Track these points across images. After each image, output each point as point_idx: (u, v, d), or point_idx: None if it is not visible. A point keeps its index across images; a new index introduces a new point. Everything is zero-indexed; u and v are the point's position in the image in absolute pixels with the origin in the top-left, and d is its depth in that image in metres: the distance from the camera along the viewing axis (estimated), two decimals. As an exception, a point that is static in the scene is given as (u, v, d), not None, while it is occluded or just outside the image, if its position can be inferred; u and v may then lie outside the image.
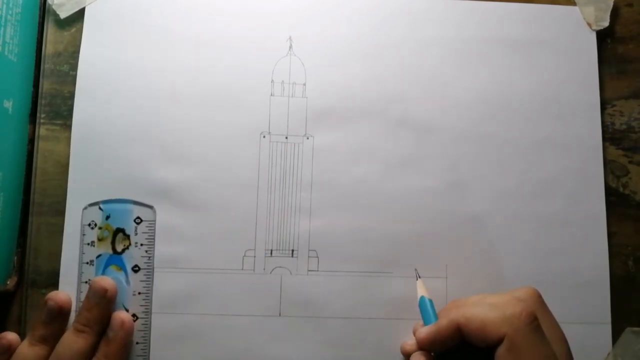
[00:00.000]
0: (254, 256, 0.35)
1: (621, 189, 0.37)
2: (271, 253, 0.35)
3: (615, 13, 0.39)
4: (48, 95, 0.36)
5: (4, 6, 0.34)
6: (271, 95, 0.37)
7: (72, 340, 0.31)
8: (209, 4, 0.37)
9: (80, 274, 0.34)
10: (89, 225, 0.34)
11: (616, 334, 0.35)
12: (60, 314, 0.32)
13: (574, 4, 0.39)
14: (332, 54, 0.37)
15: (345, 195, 0.36)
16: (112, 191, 0.35)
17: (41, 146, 0.36)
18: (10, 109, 0.34)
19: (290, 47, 0.37)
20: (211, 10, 0.37)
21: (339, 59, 0.37)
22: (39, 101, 0.36)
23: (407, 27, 0.38)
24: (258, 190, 0.36)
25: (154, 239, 0.35)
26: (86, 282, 0.34)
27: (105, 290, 0.32)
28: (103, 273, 0.34)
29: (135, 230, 0.34)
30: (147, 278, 0.34)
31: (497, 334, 0.28)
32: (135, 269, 0.34)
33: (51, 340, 0.32)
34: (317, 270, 0.35)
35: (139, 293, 0.34)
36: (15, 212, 0.35)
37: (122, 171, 0.35)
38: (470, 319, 0.29)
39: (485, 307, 0.29)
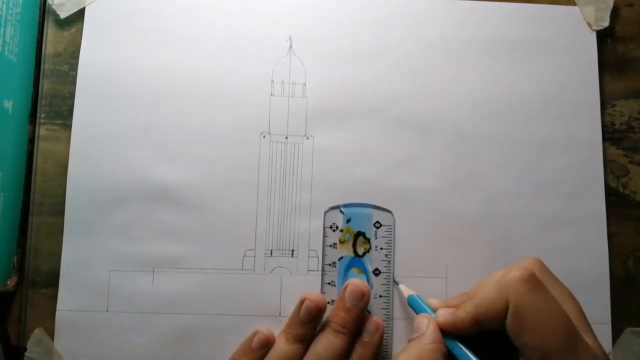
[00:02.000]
0: (254, 256, 0.35)
1: (621, 189, 0.37)
2: (271, 253, 0.35)
3: (615, 13, 0.39)
4: (48, 95, 0.36)
5: (4, 6, 0.34)
6: (271, 95, 0.37)
7: (330, 341, 0.31)
8: (209, 4, 0.37)
9: (323, 275, 0.35)
10: (331, 227, 0.35)
11: (616, 334, 0.35)
12: (318, 315, 0.32)
13: (574, 4, 0.39)
14: (332, 54, 0.37)
15: (345, 195, 0.36)
16: (113, 191, 0.35)
17: (41, 146, 0.36)
18: (10, 109, 0.34)
19: (290, 47, 0.37)
20: (211, 10, 0.37)
21: (339, 59, 0.37)
22: (39, 101, 0.36)
23: (407, 27, 0.38)
24: (258, 190, 0.36)
25: (392, 243, 0.35)
26: (329, 283, 0.35)
27: (363, 294, 0.32)
28: (345, 275, 0.35)
29: (375, 234, 0.35)
30: (387, 282, 0.35)
31: (501, 305, 0.27)
32: (376, 272, 0.35)
33: (307, 339, 0.32)
34: (317, 270, 0.35)
35: (380, 296, 0.35)
36: (15, 212, 0.35)
37: (122, 171, 0.35)
38: (479, 306, 0.28)
39: (488, 286, 0.29)
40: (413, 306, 0.33)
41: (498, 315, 0.28)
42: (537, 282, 0.27)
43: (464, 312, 0.29)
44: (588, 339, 0.27)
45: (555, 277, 0.30)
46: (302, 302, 0.32)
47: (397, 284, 0.35)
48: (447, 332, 0.30)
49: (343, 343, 0.31)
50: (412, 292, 0.34)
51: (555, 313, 0.27)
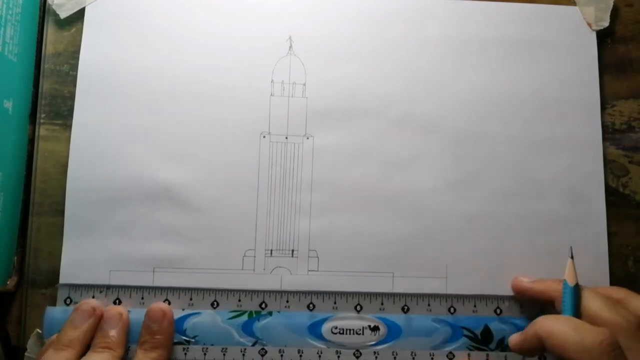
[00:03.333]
0: (254, 256, 0.35)
1: (621, 189, 0.37)
2: (271, 253, 0.35)
3: (615, 13, 0.39)
4: (48, 95, 0.36)
5: (4, 6, 0.34)
6: (271, 95, 0.37)
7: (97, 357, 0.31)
8: (209, 4, 0.37)
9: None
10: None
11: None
12: (91, 318, 0.32)
13: (574, 4, 0.39)
14: (332, 54, 0.37)
15: (345, 195, 0.36)
16: (113, 191, 0.35)
17: (41, 146, 0.36)
18: (10, 109, 0.34)
19: (290, 47, 0.37)
20: (211, 11, 0.37)
21: (339, 59, 0.37)
22: (39, 101, 0.36)
23: (407, 27, 0.38)
24: (258, 190, 0.36)
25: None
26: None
27: (120, 315, 0.33)
28: None
29: None
30: None
31: (569, 358, 0.28)
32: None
33: (77, 345, 0.31)
34: (317, 270, 0.35)
35: None
36: (15, 212, 0.35)
37: (122, 171, 0.35)
38: (551, 336, 0.29)
39: (569, 326, 0.29)
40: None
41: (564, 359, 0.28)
42: (619, 353, 0.27)
43: (532, 331, 0.30)
44: None
45: None
46: (78, 307, 0.33)
47: (571, 257, 0.33)
48: None
49: (111, 356, 0.31)
50: (571, 280, 0.32)
51: None
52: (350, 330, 0.34)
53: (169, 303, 0.34)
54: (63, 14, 0.37)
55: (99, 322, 0.33)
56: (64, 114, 0.36)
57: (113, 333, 0.32)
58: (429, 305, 0.35)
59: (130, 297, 0.34)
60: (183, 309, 0.34)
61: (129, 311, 0.33)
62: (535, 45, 0.38)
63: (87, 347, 0.32)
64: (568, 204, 0.37)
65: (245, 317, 0.34)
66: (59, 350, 0.31)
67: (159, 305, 0.33)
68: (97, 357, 0.31)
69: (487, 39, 0.38)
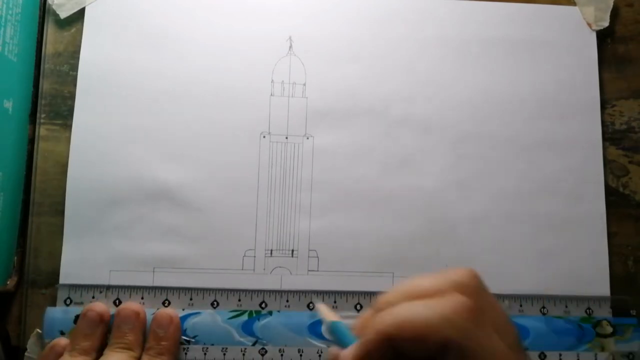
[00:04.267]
0: (254, 256, 0.35)
1: (621, 189, 0.37)
2: (271, 253, 0.35)
3: (615, 13, 0.39)
4: (48, 95, 0.36)
5: (4, 6, 0.34)
6: (271, 95, 0.37)
7: (117, 357, 0.31)
8: (209, 5, 0.37)
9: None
10: None
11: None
12: (100, 326, 0.32)
13: (574, 4, 0.39)
14: (332, 54, 0.37)
15: (345, 195, 0.36)
16: (113, 191, 0.35)
17: (41, 146, 0.36)
18: (10, 109, 0.34)
19: (290, 47, 0.37)
20: (211, 11, 0.37)
21: (339, 59, 0.37)
22: (39, 101, 0.36)
23: (407, 27, 0.38)
24: (258, 190, 0.36)
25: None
26: None
27: (137, 314, 0.33)
28: None
29: None
30: None
31: (438, 338, 0.21)
32: None
33: (92, 351, 0.32)
34: (317, 270, 0.35)
35: None
36: (15, 212, 0.35)
37: (122, 171, 0.35)
38: (401, 326, 0.22)
39: (418, 306, 0.22)
40: (334, 334, 0.26)
41: (425, 346, 0.22)
42: (481, 316, 0.22)
43: (375, 333, 0.22)
44: None
45: (490, 293, 0.24)
46: (84, 313, 0.32)
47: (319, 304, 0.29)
48: None
49: (129, 357, 0.31)
50: (336, 318, 0.26)
51: (501, 355, 0.22)
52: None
53: (169, 303, 0.34)
54: (63, 14, 0.37)
55: (107, 325, 0.33)
56: (64, 114, 0.36)
57: (130, 333, 0.32)
58: (429, 305, 0.35)
59: (130, 297, 0.34)
60: (183, 309, 0.34)
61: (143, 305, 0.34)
62: (535, 45, 0.38)
63: (100, 350, 0.32)
64: (568, 204, 0.37)
65: (245, 317, 0.34)
66: (75, 357, 0.31)
67: (167, 311, 0.33)
68: (116, 357, 0.31)
69: (487, 39, 0.38)
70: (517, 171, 0.37)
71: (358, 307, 0.35)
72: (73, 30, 0.37)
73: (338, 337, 0.25)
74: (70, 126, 0.36)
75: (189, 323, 0.34)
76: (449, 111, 0.37)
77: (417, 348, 0.22)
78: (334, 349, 0.24)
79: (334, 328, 0.26)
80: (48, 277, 0.35)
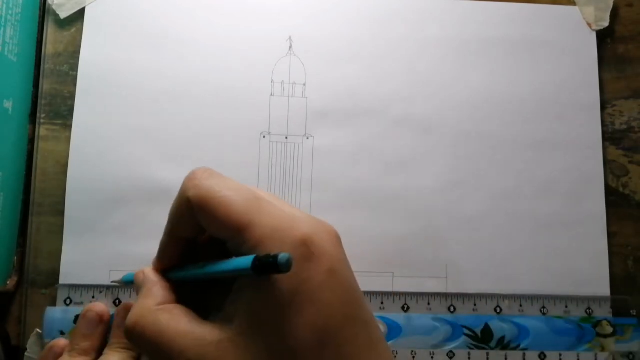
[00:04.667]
0: (254, 256, 0.35)
1: (621, 189, 0.37)
2: (271, 253, 0.35)
3: (615, 13, 0.39)
4: (48, 95, 0.36)
5: (4, 6, 0.34)
6: (271, 95, 0.37)
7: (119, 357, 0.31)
8: (209, 5, 0.37)
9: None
10: None
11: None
12: (100, 326, 0.32)
13: (574, 4, 0.39)
14: (332, 54, 0.37)
15: (345, 195, 0.36)
16: (112, 191, 0.35)
17: (41, 146, 0.36)
18: (10, 109, 0.34)
19: (290, 47, 0.37)
20: (211, 11, 0.37)
21: (339, 59, 0.37)
22: (39, 101, 0.36)
23: (407, 27, 0.38)
24: (258, 190, 0.36)
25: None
26: None
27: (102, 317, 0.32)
28: None
29: None
30: None
31: (184, 205, 0.24)
32: None
33: (92, 352, 0.31)
34: (317, 270, 0.35)
35: None
36: (15, 212, 0.35)
37: (122, 171, 0.35)
38: (171, 219, 0.25)
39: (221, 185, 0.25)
40: (128, 280, 0.31)
41: (186, 217, 0.24)
42: (210, 172, 0.25)
43: (164, 235, 0.26)
44: None
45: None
46: (84, 314, 0.32)
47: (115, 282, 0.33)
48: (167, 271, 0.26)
49: (129, 357, 0.31)
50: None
51: (235, 189, 0.25)
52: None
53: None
54: (63, 14, 0.37)
55: (107, 326, 0.32)
56: (64, 114, 0.36)
57: None
58: (429, 304, 0.35)
59: (130, 297, 0.34)
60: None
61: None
62: (535, 45, 0.38)
63: (100, 350, 0.32)
64: (568, 204, 0.37)
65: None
66: (74, 357, 0.31)
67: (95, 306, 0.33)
68: (116, 357, 0.31)
69: (487, 39, 0.38)
70: (517, 171, 0.37)
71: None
72: (73, 30, 0.37)
73: (129, 280, 0.30)
74: (70, 126, 0.36)
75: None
76: (449, 111, 0.37)
77: (217, 226, 0.23)
78: (137, 271, 0.27)
79: (125, 278, 0.31)
80: (48, 277, 0.35)
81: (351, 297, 0.23)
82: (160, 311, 0.24)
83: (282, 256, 0.20)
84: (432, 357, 0.34)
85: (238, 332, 0.21)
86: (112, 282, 0.34)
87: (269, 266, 0.20)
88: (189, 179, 0.25)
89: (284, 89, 0.37)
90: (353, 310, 0.22)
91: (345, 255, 0.25)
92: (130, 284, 0.30)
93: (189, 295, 0.25)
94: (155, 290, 0.25)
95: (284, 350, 0.21)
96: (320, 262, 0.22)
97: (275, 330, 0.21)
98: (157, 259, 0.26)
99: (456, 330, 0.35)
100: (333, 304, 0.22)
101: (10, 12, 0.34)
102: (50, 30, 0.37)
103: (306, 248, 0.22)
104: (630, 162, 0.38)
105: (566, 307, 0.35)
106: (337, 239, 0.24)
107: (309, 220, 0.23)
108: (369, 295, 0.35)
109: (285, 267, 0.20)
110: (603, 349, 0.35)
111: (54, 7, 0.37)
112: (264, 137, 0.36)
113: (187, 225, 0.25)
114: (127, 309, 0.32)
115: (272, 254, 0.20)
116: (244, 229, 0.22)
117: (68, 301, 0.34)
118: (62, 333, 0.33)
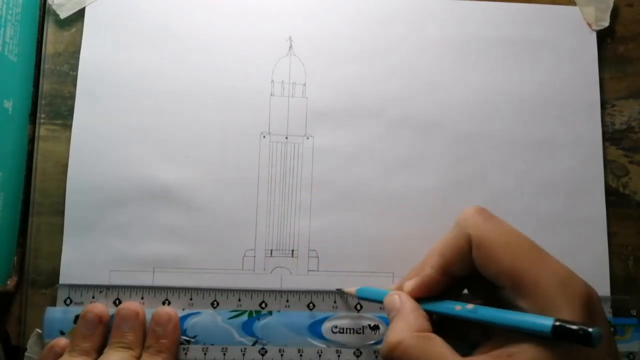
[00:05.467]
0: (254, 256, 0.35)
1: (621, 189, 0.37)
2: (271, 253, 0.35)
3: (615, 13, 0.39)
4: (48, 95, 0.36)
5: (4, 6, 0.34)
6: (271, 95, 0.37)
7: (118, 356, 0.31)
8: (209, 5, 0.37)
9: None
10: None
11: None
12: (99, 326, 0.32)
13: (574, 4, 0.39)
14: (332, 54, 0.37)
15: (345, 195, 0.36)
16: (113, 191, 0.35)
17: (41, 146, 0.36)
18: (10, 109, 0.34)
19: (290, 47, 0.37)
20: (211, 11, 0.37)
21: (339, 59, 0.37)
22: (39, 101, 0.36)
23: (407, 27, 0.38)
24: (258, 190, 0.36)
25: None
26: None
27: (136, 314, 0.33)
28: None
29: None
30: None
31: (464, 242, 0.26)
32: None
33: (92, 352, 0.32)
34: (317, 270, 0.35)
35: None
36: (15, 212, 0.35)
37: (122, 171, 0.35)
38: (443, 253, 0.27)
39: (444, 237, 0.28)
40: (368, 297, 0.32)
41: (463, 254, 0.26)
42: (489, 212, 0.27)
43: (430, 268, 0.28)
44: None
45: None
46: (83, 315, 0.32)
47: (341, 291, 0.35)
48: (421, 299, 0.28)
49: (130, 356, 0.31)
50: (354, 288, 0.33)
51: (516, 235, 0.26)
52: (350, 329, 0.34)
53: (169, 303, 0.34)
54: (63, 14, 0.37)
55: (107, 326, 0.33)
56: (64, 114, 0.36)
57: (130, 333, 0.32)
58: (429, 305, 0.35)
59: (130, 297, 0.34)
60: (183, 309, 0.34)
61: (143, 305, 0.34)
62: (535, 45, 0.38)
63: (100, 350, 0.32)
64: (568, 204, 0.37)
65: (245, 317, 0.34)
66: (74, 357, 0.31)
67: (165, 309, 0.33)
68: (116, 356, 0.31)
69: (487, 39, 0.38)
70: (517, 171, 0.37)
71: (358, 307, 0.35)
72: (73, 30, 0.37)
73: (372, 296, 0.31)
74: (70, 126, 0.36)
75: (189, 323, 0.34)
76: (449, 111, 0.37)
77: (462, 261, 0.26)
78: (393, 289, 0.29)
79: (361, 293, 0.32)
80: (48, 277, 0.35)
81: None
82: (422, 337, 0.25)
83: (596, 332, 0.20)
84: (432, 357, 0.34)
85: None
86: (337, 289, 0.35)
87: (573, 335, 0.20)
88: (470, 215, 0.27)
89: (284, 89, 0.37)
90: None
91: None
92: (369, 299, 0.32)
93: (437, 325, 0.27)
94: (414, 317, 0.26)
95: None
96: (601, 324, 0.23)
97: None
98: (415, 287, 0.28)
99: (456, 330, 0.35)
100: None
101: (10, 12, 0.34)
102: (50, 30, 0.37)
103: (588, 310, 0.23)
104: (630, 162, 0.38)
105: (566, 307, 0.35)
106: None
107: (578, 277, 0.25)
108: (369, 295, 0.35)
109: (597, 342, 0.20)
110: (603, 349, 0.35)
111: (54, 7, 0.37)
112: (264, 137, 0.36)
113: (461, 262, 0.26)
114: (127, 309, 0.32)
115: (580, 323, 0.21)
116: (528, 280, 0.23)
117: (68, 301, 0.34)
118: (62, 333, 0.33)
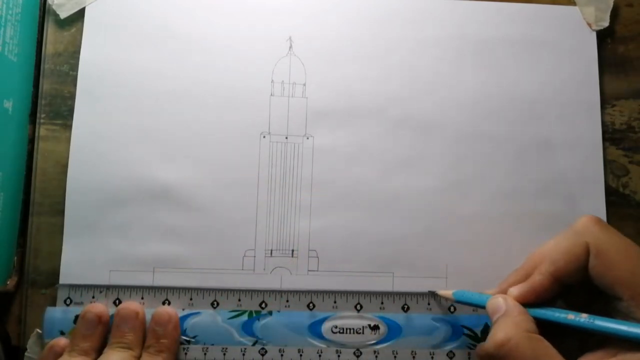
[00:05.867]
0: (254, 256, 0.35)
1: (621, 189, 0.37)
2: (271, 253, 0.35)
3: (615, 13, 0.39)
4: (48, 95, 0.36)
5: (4, 6, 0.34)
6: (271, 95, 0.37)
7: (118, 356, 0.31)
8: (209, 4, 0.37)
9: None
10: None
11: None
12: (99, 326, 0.32)
13: (574, 4, 0.39)
14: (332, 54, 0.37)
15: (345, 195, 0.36)
16: (113, 191, 0.35)
17: (41, 146, 0.36)
18: (10, 109, 0.34)
19: (290, 47, 0.37)
20: (211, 11, 0.37)
21: (339, 59, 0.37)
22: (39, 101, 0.36)
23: (406, 27, 0.38)
24: (258, 190, 0.36)
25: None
26: None
27: (136, 314, 0.33)
28: None
29: None
30: None
31: (581, 251, 0.27)
32: None
33: (92, 352, 0.32)
34: (317, 270, 0.35)
35: None
36: (15, 212, 0.35)
37: (122, 171, 0.35)
38: (556, 261, 0.28)
39: (557, 242, 0.29)
40: (465, 300, 0.33)
41: (579, 262, 0.27)
42: (605, 222, 0.28)
43: (541, 275, 0.28)
44: None
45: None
46: (83, 315, 0.32)
47: (434, 293, 0.35)
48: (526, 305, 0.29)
49: (130, 356, 0.31)
50: (450, 291, 0.34)
51: (634, 246, 0.27)
52: (350, 329, 0.34)
53: (169, 303, 0.34)
54: (63, 14, 0.37)
55: (107, 327, 0.33)
56: (64, 114, 0.36)
57: (130, 332, 0.32)
58: (429, 304, 0.35)
59: (130, 297, 0.34)
60: (183, 309, 0.34)
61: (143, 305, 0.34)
62: (535, 45, 0.38)
63: (100, 350, 0.32)
64: (568, 204, 0.37)
65: (245, 317, 0.34)
66: (74, 357, 0.31)
67: (165, 309, 0.33)
68: (116, 356, 0.31)
69: (487, 39, 0.38)
70: (517, 171, 0.37)
71: (358, 307, 0.35)
72: (73, 30, 0.37)
73: (470, 300, 0.32)
74: (70, 126, 0.36)
75: (189, 323, 0.34)
76: (449, 111, 0.37)
77: (576, 271, 0.27)
78: (496, 295, 0.30)
79: (458, 296, 0.33)
80: (48, 277, 0.35)
81: None
82: (533, 337, 0.26)
83: None
84: (432, 357, 0.34)
85: None
86: (429, 291, 0.35)
87: None
88: (588, 224, 0.28)
89: (284, 89, 0.37)
90: None
91: None
92: (466, 303, 0.33)
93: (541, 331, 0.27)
94: (522, 319, 0.27)
95: None
96: None
97: None
98: (522, 293, 0.28)
99: (456, 330, 0.35)
100: None
101: (10, 12, 0.34)
102: (50, 30, 0.37)
103: None
104: (630, 162, 0.38)
105: (566, 307, 0.35)
106: None
107: None
108: (369, 296, 0.35)
109: None
110: (603, 349, 0.35)
111: (54, 7, 0.37)
112: (264, 137, 0.36)
113: (575, 270, 0.27)
114: (127, 309, 0.32)
115: None
116: None
117: (68, 301, 0.34)
118: (62, 333, 0.33)
